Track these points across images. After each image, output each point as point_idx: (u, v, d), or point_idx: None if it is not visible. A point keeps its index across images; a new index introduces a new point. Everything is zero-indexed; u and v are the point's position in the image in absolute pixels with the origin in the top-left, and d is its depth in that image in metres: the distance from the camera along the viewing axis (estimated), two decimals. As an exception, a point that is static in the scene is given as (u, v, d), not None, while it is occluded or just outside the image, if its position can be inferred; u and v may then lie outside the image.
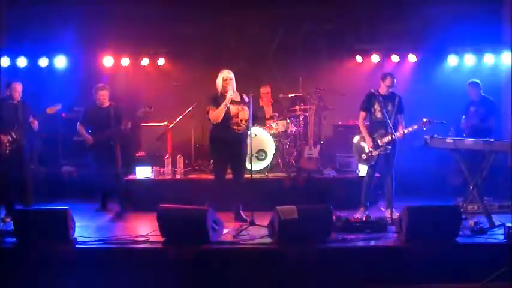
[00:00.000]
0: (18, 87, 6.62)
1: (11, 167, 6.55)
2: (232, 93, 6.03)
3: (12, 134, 6.47)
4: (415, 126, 6.20)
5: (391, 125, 6.17)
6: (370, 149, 6.36)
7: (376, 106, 6.39)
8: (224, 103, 6.01)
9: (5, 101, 6.62)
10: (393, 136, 6.17)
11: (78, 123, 7.09)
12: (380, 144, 6.30)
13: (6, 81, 6.70)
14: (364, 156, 6.48)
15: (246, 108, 6.16)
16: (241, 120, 6.13)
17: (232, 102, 6.12)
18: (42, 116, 6.71)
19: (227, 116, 6.08)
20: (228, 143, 6.12)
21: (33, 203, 6.65)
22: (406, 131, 6.22)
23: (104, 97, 7.02)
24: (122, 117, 6.99)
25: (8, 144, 6.44)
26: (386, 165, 6.37)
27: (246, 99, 6.23)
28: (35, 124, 6.68)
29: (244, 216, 6.20)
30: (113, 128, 6.94)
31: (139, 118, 7.24)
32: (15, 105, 6.59)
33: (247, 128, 6.18)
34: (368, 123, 6.58)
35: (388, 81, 6.35)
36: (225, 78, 6.09)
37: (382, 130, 6.33)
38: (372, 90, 6.43)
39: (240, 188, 6.27)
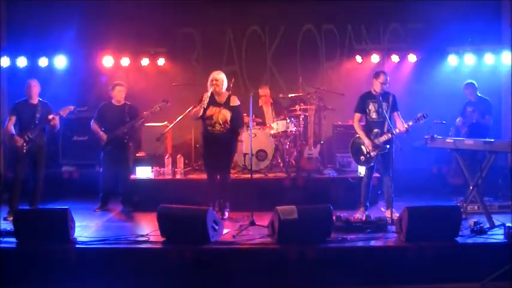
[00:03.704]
0: (32, 83, 6.66)
1: (25, 167, 6.63)
2: (207, 94, 6.12)
3: (29, 134, 6.54)
4: (410, 123, 6.18)
5: (390, 124, 6.17)
6: (369, 150, 6.34)
7: (371, 107, 6.39)
8: (201, 104, 6.14)
9: (24, 103, 6.67)
10: (390, 135, 6.17)
11: (92, 121, 7.09)
12: (378, 144, 6.29)
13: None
14: (362, 158, 6.46)
15: (224, 111, 6.21)
16: (215, 122, 6.20)
17: (214, 103, 6.22)
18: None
19: (203, 116, 6.23)
20: (207, 143, 6.40)
21: (38, 204, 6.69)
22: (410, 123, 6.17)
23: (121, 93, 7.05)
24: (137, 115, 7.01)
25: (24, 145, 6.51)
26: (384, 165, 6.36)
27: (236, 103, 6.29)
28: (56, 121, 6.68)
29: (222, 216, 6.30)
30: (127, 125, 6.95)
31: (155, 112, 7.18)
32: (34, 106, 6.64)
33: (228, 131, 6.24)
34: (364, 124, 6.56)
35: (381, 78, 6.33)
36: (211, 79, 6.25)
37: (379, 130, 6.32)
38: (368, 91, 6.43)
39: (224, 189, 6.40)
